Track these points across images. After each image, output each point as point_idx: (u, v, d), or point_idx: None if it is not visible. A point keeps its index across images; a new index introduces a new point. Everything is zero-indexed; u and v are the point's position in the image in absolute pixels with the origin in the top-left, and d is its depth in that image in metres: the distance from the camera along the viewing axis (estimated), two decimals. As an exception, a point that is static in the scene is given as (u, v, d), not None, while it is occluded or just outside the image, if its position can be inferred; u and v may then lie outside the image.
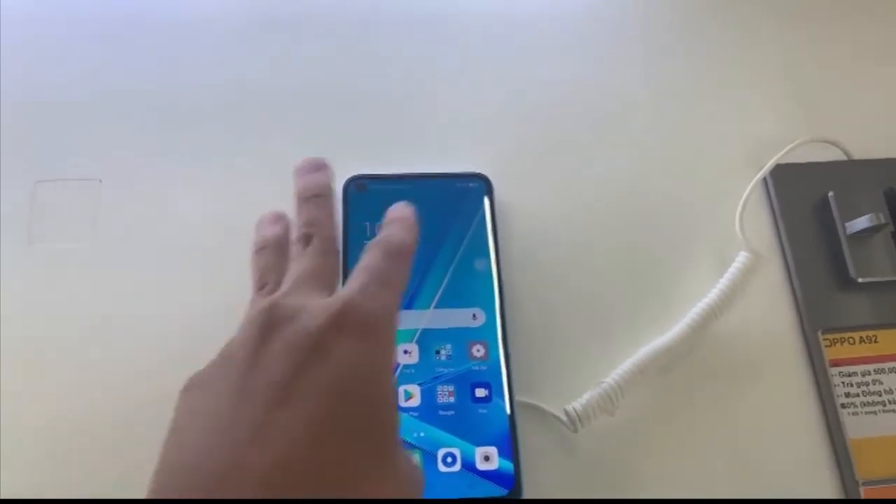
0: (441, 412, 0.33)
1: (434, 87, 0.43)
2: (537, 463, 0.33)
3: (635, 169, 0.41)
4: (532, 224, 0.39)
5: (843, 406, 0.36)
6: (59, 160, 0.39)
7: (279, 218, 0.27)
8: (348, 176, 0.38)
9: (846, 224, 0.38)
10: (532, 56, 0.44)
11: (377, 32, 0.44)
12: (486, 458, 0.32)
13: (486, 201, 0.38)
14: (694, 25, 0.46)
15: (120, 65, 0.42)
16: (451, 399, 0.33)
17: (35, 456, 0.33)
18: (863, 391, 0.36)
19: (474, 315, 0.35)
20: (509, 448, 0.32)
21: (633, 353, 0.35)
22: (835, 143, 0.41)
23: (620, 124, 0.42)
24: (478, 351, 0.34)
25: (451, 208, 0.38)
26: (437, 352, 0.34)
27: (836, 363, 0.36)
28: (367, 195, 0.38)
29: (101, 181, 0.39)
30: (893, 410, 0.36)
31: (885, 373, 0.36)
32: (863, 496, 0.34)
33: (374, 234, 0.36)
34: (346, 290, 0.23)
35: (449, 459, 0.32)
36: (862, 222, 0.37)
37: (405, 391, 0.33)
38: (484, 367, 0.34)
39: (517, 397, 0.34)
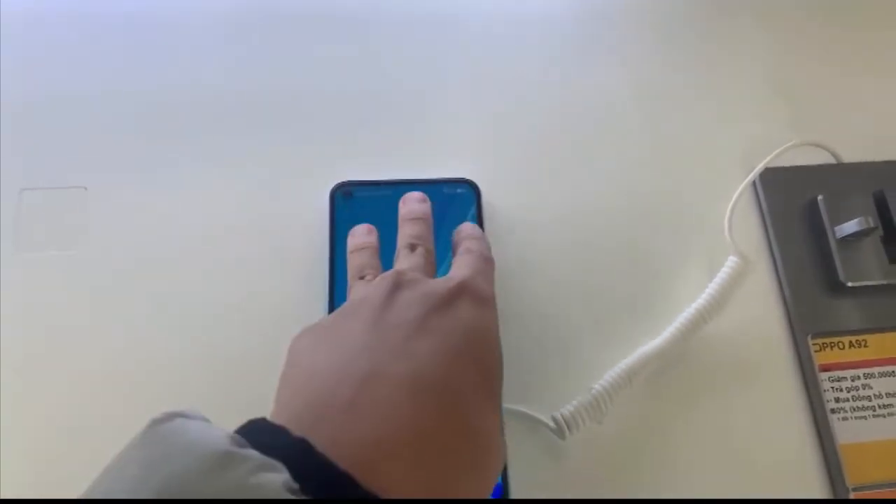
0: (428, 420, 0.32)
1: (422, 93, 0.43)
2: (525, 470, 0.33)
3: (624, 174, 0.41)
4: (520, 230, 0.39)
5: (832, 411, 0.35)
6: (43, 168, 0.39)
7: (372, 230, 0.32)
8: (336, 180, 0.38)
9: (835, 228, 0.38)
10: (520, 61, 0.44)
11: (363, 37, 0.44)
12: (473, 467, 0.32)
13: (474, 207, 0.38)
14: (683, 30, 0.46)
15: (104, 71, 0.42)
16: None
17: (25, 462, 0.33)
18: (853, 396, 0.36)
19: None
20: (496, 456, 0.32)
21: (622, 359, 0.35)
22: (824, 147, 0.41)
23: (609, 129, 0.42)
24: (465, 358, 0.34)
25: (439, 214, 0.37)
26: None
27: (825, 368, 0.36)
28: (354, 202, 0.38)
29: (86, 189, 0.39)
30: (883, 415, 0.35)
31: (874, 377, 0.36)
32: (853, 502, 0.34)
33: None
34: (462, 271, 0.28)
35: (435, 468, 0.32)
36: (851, 226, 0.37)
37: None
38: (471, 375, 0.34)
39: (505, 404, 0.33)
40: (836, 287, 0.38)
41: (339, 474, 0.19)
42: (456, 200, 0.38)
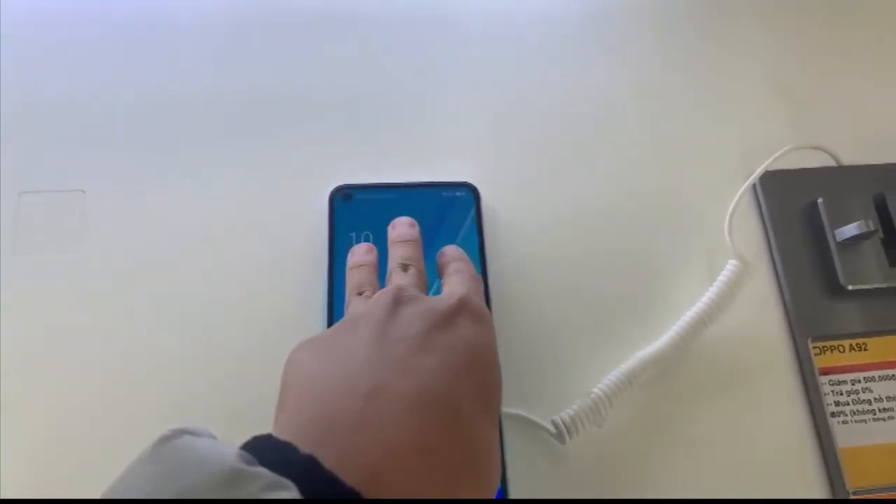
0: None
1: (422, 93, 0.43)
2: (525, 474, 0.33)
3: (624, 177, 0.41)
4: (519, 232, 0.39)
5: (832, 414, 0.35)
6: (42, 171, 0.39)
7: (372, 249, 0.33)
8: (335, 181, 0.38)
9: (835, 231, 0.38)
10: (520, 63, 0.44)
11: (363, 38, 0.44)
12: (473, 471, 0.32)
13: (474, 210, 0.38)
14: (683, 32, 0.46)
15: (103, 74, 0.42)
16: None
17: (25, 463, 0.33)
18: (853, 399, 0.36)
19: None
20: (496, 460, 0.32)
21: (622, 362, 0.35)
22: (824, 150, 0.41)
23: (609, 132, 0.42)
24: (465, 362, 0.34)
25: (439, 217, 0.37)
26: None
27: (825, 371, 0.36)
28: (353, 205, 0.38)
29: (84, 192, 0.39)
30: (883, 419, 0.35)
31: (874, 381, 0.36)
32: (853, 506, 0.34)
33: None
34: (455, 291, 0.28)
35: (435, 472, 0.32)
36: (851, 229, 0.37)
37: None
38: (471, 378, 0.34)
39: (504, 408, 0.33)
40: (836, 290, 0.38)
41: (346, 490, 0.19)
42: (456, 203, 0.38)
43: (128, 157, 0.40)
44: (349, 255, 0.33)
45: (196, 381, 0.35)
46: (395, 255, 0.31)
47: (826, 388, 0.36)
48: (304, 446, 0.20)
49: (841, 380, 0.36)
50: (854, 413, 0.36)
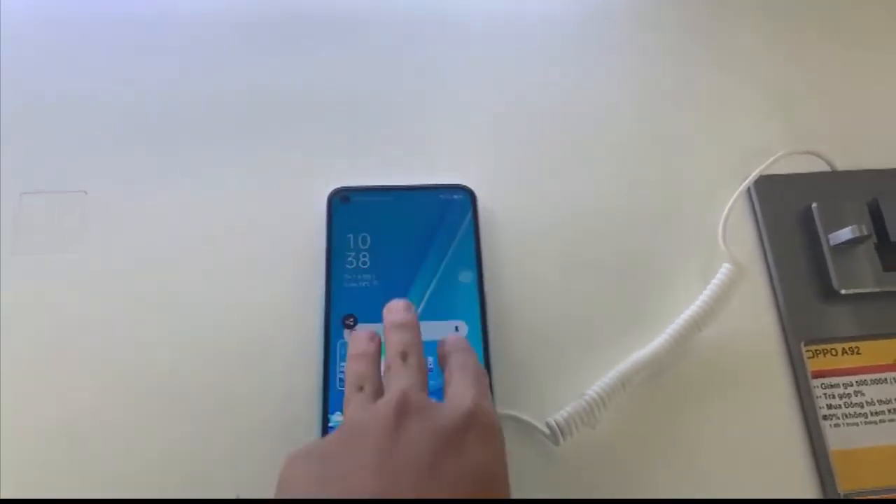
0: (423, 425, 0.33)
1: (421, 94, 0.43)
2: (519, 475, 0.33)
3: (619, 180, 0.41)
4: (515, 234, 0.39)
5: (825, 417, 0.36)
6: (43, 172, 0.39)
7: (375, 336, 0.31)
8: (334, 183, 0.38)
9: (829, 235, 0.38)
10: (516, 67, 0.44)
11: (363, 39, 0.45)
12: (468, 471, 0.32)
13: (471, 213, 0.38)
14: (679, 38, 0.46)
15: (103, 75, 0.42)
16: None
17: (25, 463, 0.33)
18: (845, 403, 0.36)
19: (457, 327, 0.35)
20: (490, 461, 0.32)
21: (616, 365, 0.35)
22: (818, 155, 0.41)
23: (605, 136, 0.42)
24: (460, 363, 0.34)
25: (436, 220, 0.38)
26: (420, 364, 0.34)
27: (818, 374, 0.37)
28: (351, 207, 0.38)
29: (86, 192, 0.39)
30: (875, 422, 0.36)
31: (867, 384, 0.37)
32: (844, 508, 0.34)
33: (356, 246, 0.37)
34: (464, 399, 0.27)
35: (430, 472, 0.32)
36: (845, 234, 0.38)
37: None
38: (466, 380, 0.34)
39: (499, 410, 0.34)
40: (829, 294, 0.38)
41: None
42: (453, 206, 0.38)
43: (128, 157, 0.40)
44: (350, 342, 0.31)
45: (195, 380, 0.35)
46: (393, 341, 0.30)
47: (818, 392, 0.36)
48: None
49: (833, 383, 0.36)
50: (846, 416, 0.36)
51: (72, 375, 0.35)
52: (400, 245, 0.37)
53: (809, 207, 0.39)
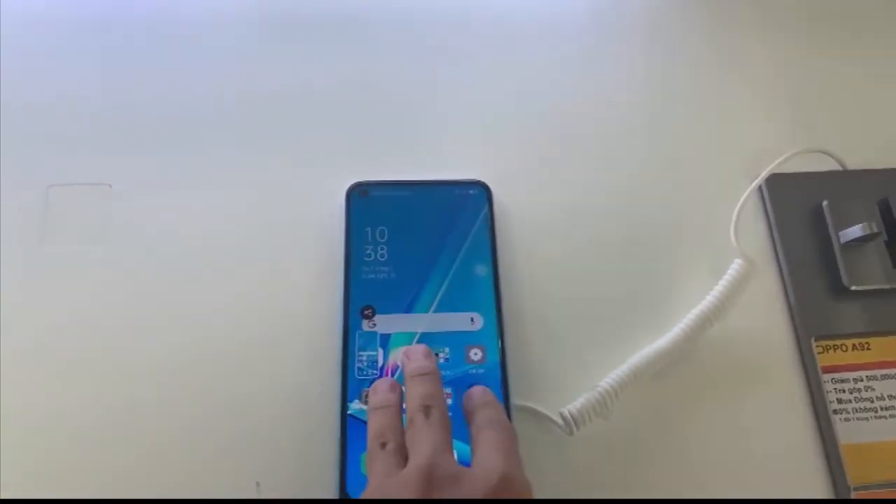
0: (439, 413, 0.33)
1: (434, 94, 0.44)
2: (533, 464, 0.34)
3: (632, 177, 0.42)
4: (530, 230, 0.40)
5: (835, 412, 0.36)
6: (70, 164, 0.40)
7: (396, 386, 0.31)
8: (350, 181, 0.39)
9: (840, 233, 0.39)
10: (531, 64, 0.45)
11: (376, 38, 0.45)
12: (483, 459, 0.32)
13: (486, 208, 0.39)
14: (691, 36, 0.47)
15: (131, 70, 0.43)
16: (449, 401, 0.34)
17: (42, 457, 0.34)
18: (855, 397, 0.37)
19: (472, 319, 0.36)
20: (505, 449, 0.33)
21: (629, 358, 0.36)
22: (829, 154, 0.41)
23: (617, 134, 0.43)
24: (475, 354, 0.35)
25: (452, 215, 0.39)
26: (436, 354, 0.35)
27: (828, 370, 0.37)
28: (370, 201, 0.39)
29: (111, 186, 0.40)
30: (885, 417, 0.36)
31: (877, 379, 0.37)
32: (853, 501, 0.34)
33: (374, 240, 0.37)
34: (494, 467, 0.26)
35: (446, 459, 0.32)
36: (855, 231, 0.38)
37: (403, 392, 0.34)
38: (481, 371, 0.35)
39: (514, 400, 0.34)
40: (839, 291, 0.38)
41: None
42: (469, 202, 0.39)
43: (153, 153, 0.41)
44: (371, 392, 0.31)
45: (215, 370, 0.36)
46: (415, 394, 0.29)
47: (829, 386, 0.37)
48: None
49: (843, 378, 0.37)
50: (856, 411, 0.36)
51: (93, 366, 0.36)
52: (417, 238, 0.38)
53: (820, 205, 0.40)
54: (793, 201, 0.41)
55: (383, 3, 0.47)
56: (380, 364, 0.34)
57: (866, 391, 0.37)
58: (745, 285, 0.37)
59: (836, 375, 0.37)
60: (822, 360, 0.37)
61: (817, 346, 0.37)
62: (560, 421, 0.34)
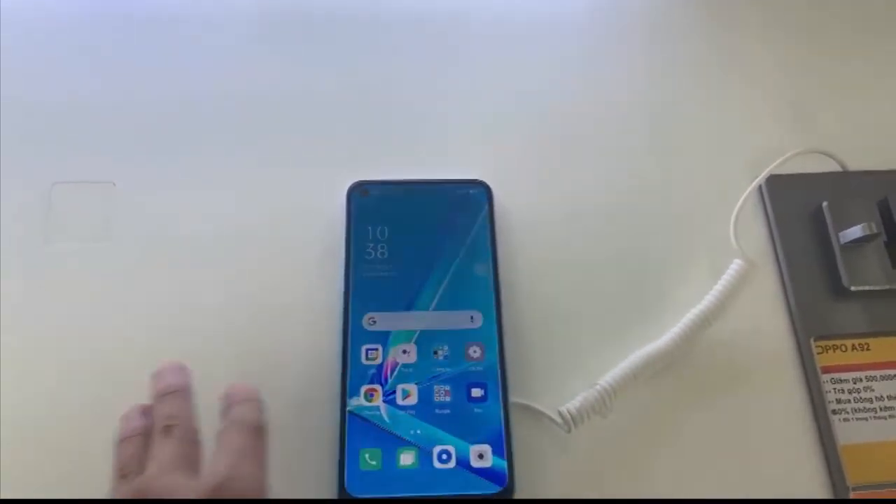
0: (437, 410, 0.34)
1: (434, 94, 0.44)
2: (531, 462, 0.34)
3: (632, 176, 0.42)
4: (529, 230, 0.40)
5: (834, 412, 0.36)
6: (74, 162, 0.41)
7: (148, 411, 0.29)
8: (351, 180, 0.39)
9: (839, 233, 0.39)
10: (530, 64, 0.45)
11: (376, 38, 0.46)
12: (480, 456, 0.33)
13: (486, 207, 0.39)
14: (691, 36, 0.47)
15: (135, 69, 0.44)
16: (448, 398, 0.34)
17: (42, 457, 0.34)
18: (854, 398, 0.37)
19: (472, 317, 0.36)
20: (503, 447, 0.33)
21: (628, 357, 0.36)
22: (829, 155, 0.41)
23: (617, 133, 0.43)
24: (475, 352, 0.35)
25: (452, 214, 0.39)
26: (435, 352, 0.35)
27: (827, 370, 0.37)
28: (370, 200, 0.39)
29: (114, 184, 0.40)
30: (884, 417, 0.36)
31: (876, 380, 0.37)
32: (852, 501, 0.34)
33: (375, 238, 0.38)
34: (215, 472, 0.25)
35: (444, 456, 0.33)
36: (855, 232, 0.38)
37: (403, 390, 0.34)
38: (480, 368, 0.35)
39: (512, 398, 0.35)
40: (839, 291, 0.38)
41: None
42: (469, 201, 0.39)
43: (156, 151, 0.41)
44: (120, 421, 0.29)
45: (217, 371, 0.36)
46: (159, 415, 0.28)
47: (828, 387, 0.37)
48: None
49: (843, 378, 0.37)
50: (855, 411, 0.36)
51: (93, 364, 0.36)
52: (417, 237, 0.38)
53: (820, 206, 0.40)
54: (793, 202, 0.41)
55: (383, 3, 0.47)
56: (379, 361, 0.35)
57: (866, 391, 0.37)
58: (745, 285, 0.37)
59: (836, 376, 0.37)
60: (822, 360, 0.37)
61: (817, 347, 0.37)
62: (558, 419, 0.34)
